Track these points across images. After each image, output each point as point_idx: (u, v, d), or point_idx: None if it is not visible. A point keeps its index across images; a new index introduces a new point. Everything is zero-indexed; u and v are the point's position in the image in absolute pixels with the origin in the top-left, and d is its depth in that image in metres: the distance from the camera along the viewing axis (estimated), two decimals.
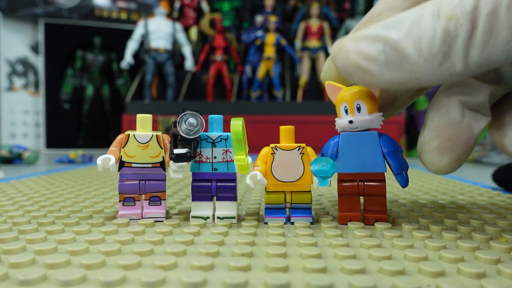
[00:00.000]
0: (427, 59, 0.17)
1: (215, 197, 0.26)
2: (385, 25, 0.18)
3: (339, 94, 0.23)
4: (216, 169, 0.25)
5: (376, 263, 0.17)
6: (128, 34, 1.44)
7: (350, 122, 0.23)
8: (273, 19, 1.33)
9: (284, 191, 0.25)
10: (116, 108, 1.58)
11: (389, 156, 0.23)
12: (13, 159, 0.84)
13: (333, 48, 0.20)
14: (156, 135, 0.25)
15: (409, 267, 0.17)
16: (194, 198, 0.26)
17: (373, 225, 0.24)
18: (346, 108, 0.23)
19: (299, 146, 0.25)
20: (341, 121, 0.23)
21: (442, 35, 0.16)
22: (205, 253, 0.18)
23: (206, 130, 0.25)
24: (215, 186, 0.25)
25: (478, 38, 0.15)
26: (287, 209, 0.26)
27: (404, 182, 0.23)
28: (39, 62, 1.53)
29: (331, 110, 1.15)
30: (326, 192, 0.38)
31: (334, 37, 1.42)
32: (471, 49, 0.16)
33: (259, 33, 1.34)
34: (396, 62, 0.17)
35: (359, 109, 0.23)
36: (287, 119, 1.20)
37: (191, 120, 0.23)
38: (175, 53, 1.37)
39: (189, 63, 1.38)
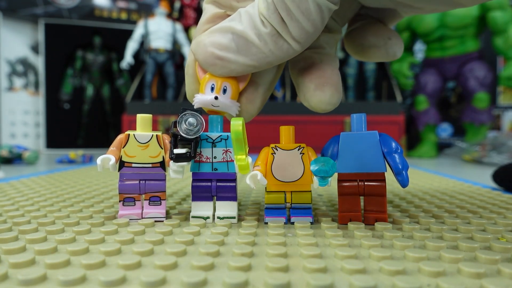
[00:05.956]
0: (266, 41, 0.21)
1: (215, 197, 0.26)
2: (230, 19, 0.22)
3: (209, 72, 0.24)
4: (216, 169, 0.25)
5: (376, 263, 0.17)
6: (128, 34, 1.44)
7: (216, 98, 0.24)
8: None
9: (284, 191, 0.25)
10: (116, 108, 1.58)
11: (389, 156, 0.23)
12: (13, 159, 0.85)
13: (192, 45, 0.23)
14: (156, 135, 0.25)
15: (409, 267, 0.17)
16: (194, 198, 0.26)
17: (373, 225, 0.24)
18: (213, 86, 0.24)
19: (299, 146, 0.25)
20: (204, 97, 0.24)
21: (267, 22, 0.20)
22: (205, 253, 0.18)
23: (206, 130, 0.25)
24: (215, 186, 0.25)
25: (286, 21, 0.20)
26: (287, 209, 0.26)
27: (404, 182, 0.23)
28: (39, 62, 1.53)
29: (331, 110, 1.14)
30: (326, 192, 0.38)
31: None
32: (290, 29, 0.20)
33: None
34: (245, 48, 0.21)
35: (224, 90, 0.24)
36: (287, 119, 1.20)
37: (191, 120, 0.23)
38: (175, 53, 1.37)
39: None
